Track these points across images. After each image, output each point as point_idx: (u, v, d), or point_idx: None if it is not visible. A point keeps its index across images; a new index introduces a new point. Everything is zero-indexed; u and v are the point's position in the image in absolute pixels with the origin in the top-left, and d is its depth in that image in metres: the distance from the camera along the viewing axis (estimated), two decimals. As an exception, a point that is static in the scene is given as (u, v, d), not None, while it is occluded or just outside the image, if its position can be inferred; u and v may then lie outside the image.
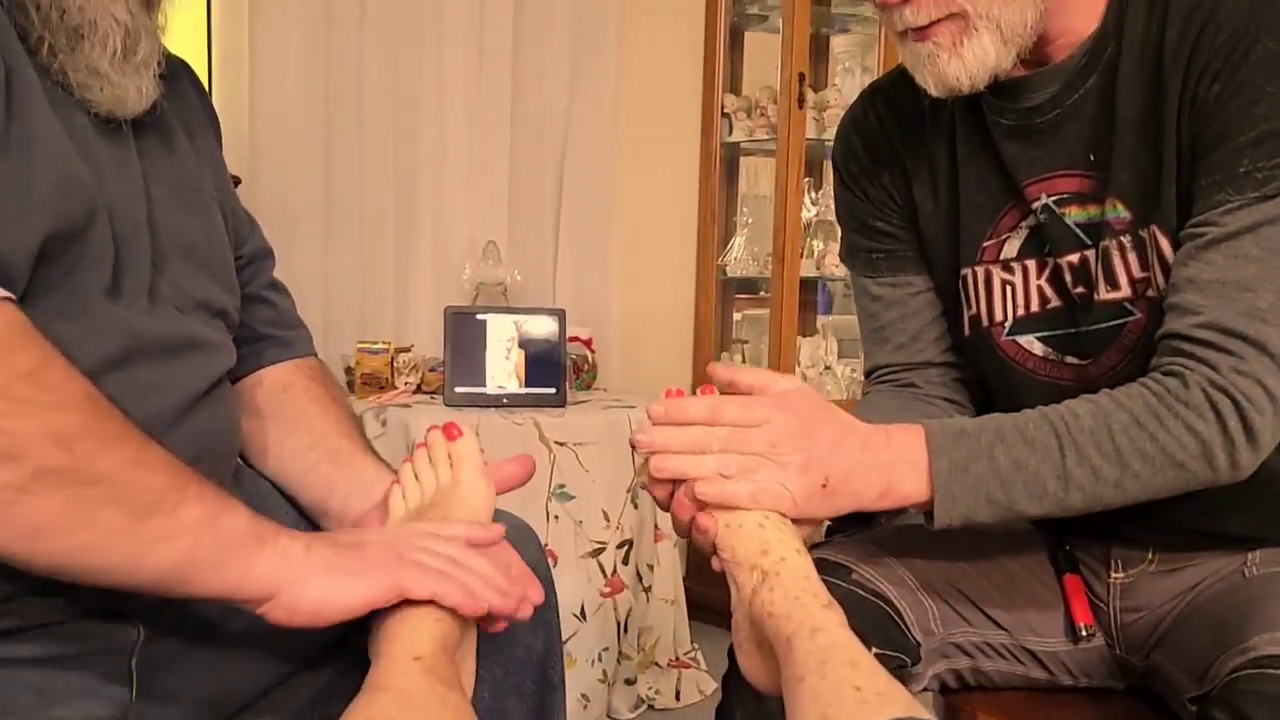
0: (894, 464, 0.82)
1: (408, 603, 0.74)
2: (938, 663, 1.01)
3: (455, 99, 2.53)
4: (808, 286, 2.72)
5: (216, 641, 0.86)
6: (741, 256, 2.83)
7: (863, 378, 1.17)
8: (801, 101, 2.55)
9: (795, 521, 0.81)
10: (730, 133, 2.78)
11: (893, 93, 1.05)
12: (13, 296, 0.62)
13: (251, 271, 1.03)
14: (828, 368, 2.71)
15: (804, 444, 0.80)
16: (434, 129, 2.52)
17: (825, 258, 2.69)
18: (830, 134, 2.65)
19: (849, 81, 2.81)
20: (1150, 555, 0.99)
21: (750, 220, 2.85)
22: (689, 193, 2.84)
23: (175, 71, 0.94)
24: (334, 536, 0.78)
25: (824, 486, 0.80)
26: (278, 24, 2.41)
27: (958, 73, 0.88)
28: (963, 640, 1.02)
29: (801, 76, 2.55)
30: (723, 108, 2.78)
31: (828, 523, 1.03)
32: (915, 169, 1.05)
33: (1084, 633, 0.99)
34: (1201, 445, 0.80)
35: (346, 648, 0.90)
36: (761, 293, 2.84)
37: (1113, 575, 1.01)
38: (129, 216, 0.79)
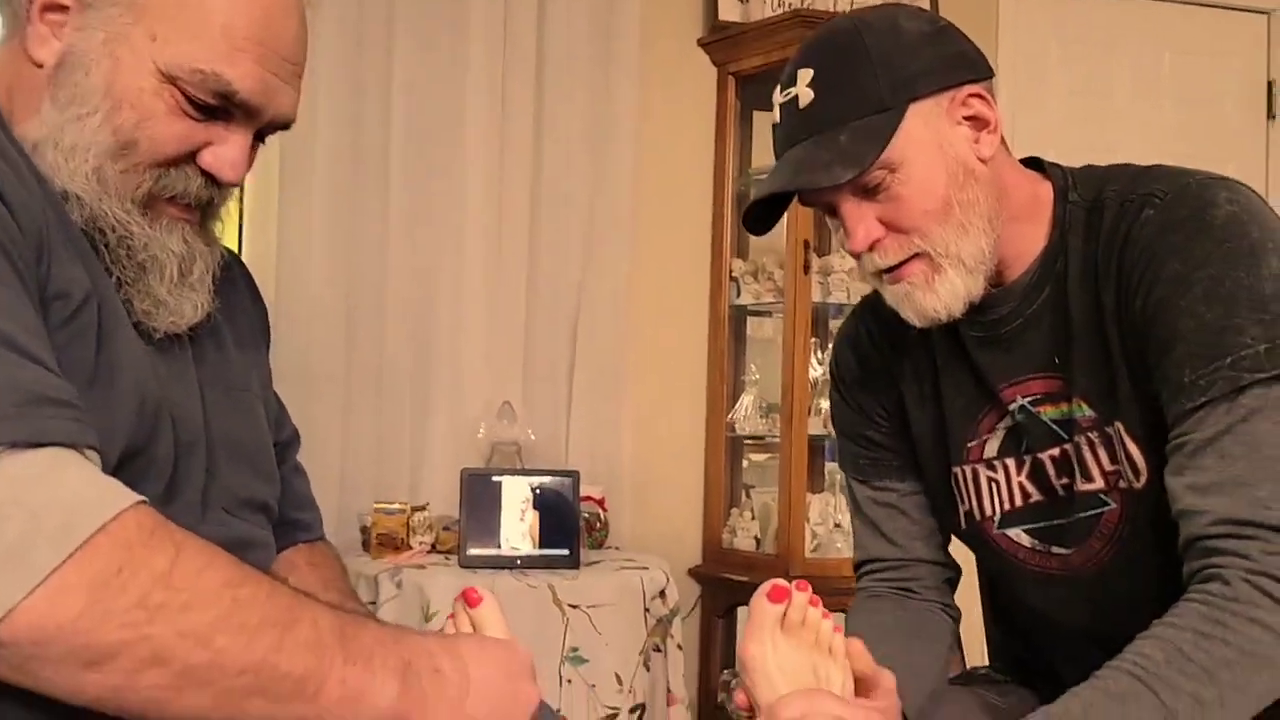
0: None
1: None
2: None
3: (474, 264, 2.64)
4: (816, 444, 2.77)
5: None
6: (750, 414, 2.89)
7: (854, 569, 1.21)
8: (807, 267, 2.66)
9: None
10: (738, 296, 2.88)
11: (881, 307, 1.11)
12: (145, 499, 0.65)
13: (282, 456, 1.07)
14: (837, 525, 2.73)
15: None
16: (452, 294, 2.62)
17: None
18: (835, 296, 2.77)
19: (851, 243, 2.92)
20: None
21: (758, 378, 2.92)
22: (698, 353, 2.92)
23: (227, 267, 1.00)
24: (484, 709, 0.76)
25: None
26: (304, 194, 2.54)
27: (934, 305, 0.96)
28: None
29: (806, 243, 2.66)
30: (731, 272, 2.88)
31: None
32: (903, 378, 1.12)
33: None
34: (1273, 633, 0.82)
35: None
36: (766, 438, 2.89)
37: None
38: (189, 426, 0.84)
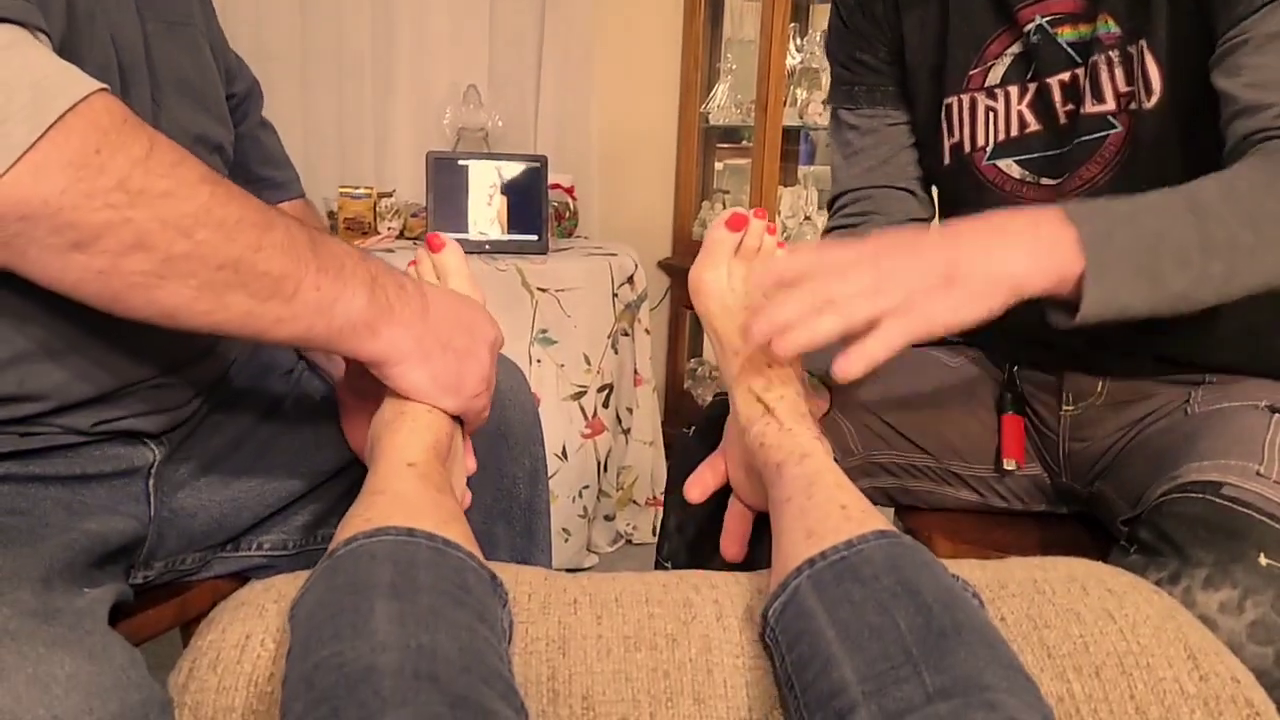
0: (1027, 230, 0.75)
1: (403, 409, 0.78)
2: (860, 480, 1.08)
3: (433, -65, 2.46)
4: (790, 136, 2.71)
5: (229, 465, 0.92)
6: (724, 104, 2.81)
7: (828, 207, 1.22)
8: (789, -57, 2.49)
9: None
10: (716, -26, 2.73)
11: None
12: (107, 86, 0.62)
13: (243, 111, 1.04)
14: (808, 218, 2.73)
15: (906, 248, 0.74)
16: (412, -33, 2.46)
17: (808, 106, 2.68)
18: (816, -22, 2.62)
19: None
20: (1100, 388, 1.05)
21: (734, 67, 2.81)
22: (672, 39, 2.79)
23: None
24: (445, 333, 0.78)
25: (949, 279, 0.73)
26: None
27: None
28: (885, 460, 1.09)
29: (790, -84, 2.48)
30: (708, -52, 2.71)
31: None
32: (907, 3, 1.08)
33: (1009, 466, 1.06)
34: None
35: (350, 470, 0.96)
36: (744, 142, 2.83)
37: (1064, 408, 1.07)
38: (130, 52, 0.79)
